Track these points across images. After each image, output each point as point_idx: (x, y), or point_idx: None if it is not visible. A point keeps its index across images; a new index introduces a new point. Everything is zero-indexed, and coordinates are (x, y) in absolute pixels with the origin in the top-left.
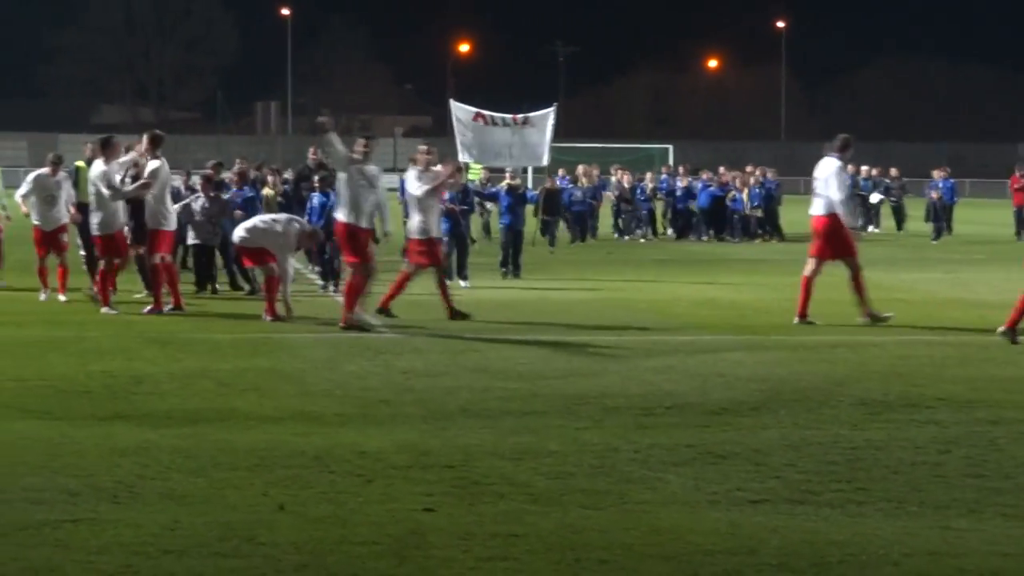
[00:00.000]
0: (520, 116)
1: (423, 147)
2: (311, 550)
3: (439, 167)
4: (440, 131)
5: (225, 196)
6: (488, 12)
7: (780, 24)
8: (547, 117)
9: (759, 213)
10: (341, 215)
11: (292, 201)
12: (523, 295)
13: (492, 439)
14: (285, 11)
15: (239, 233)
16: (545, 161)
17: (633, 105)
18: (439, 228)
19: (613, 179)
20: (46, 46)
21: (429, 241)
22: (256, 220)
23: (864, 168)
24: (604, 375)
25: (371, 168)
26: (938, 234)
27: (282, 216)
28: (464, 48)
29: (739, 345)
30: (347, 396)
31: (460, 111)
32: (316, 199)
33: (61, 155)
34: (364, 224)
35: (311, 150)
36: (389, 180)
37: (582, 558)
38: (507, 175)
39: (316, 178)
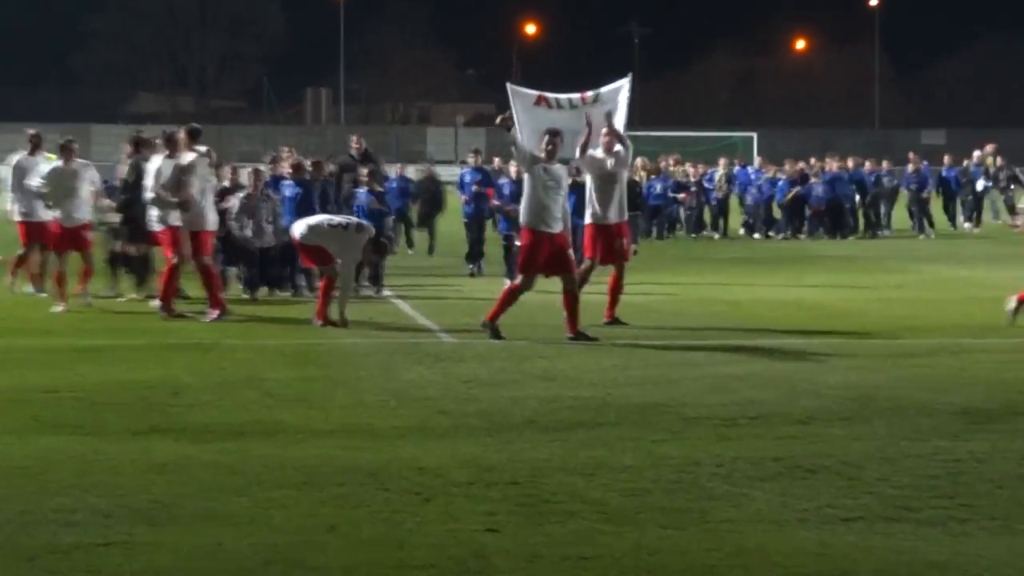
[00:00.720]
0: (590, 93)
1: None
2: (365, 574)
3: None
4: None
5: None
6: None
7: (873, 2)
8: (619, 91)
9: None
10: (526, 220)
11: (333, 197)
12: (592, 298)
13: (561, 453)
14: None
15: (299, 229)
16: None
17: (712, 91)
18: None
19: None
20: (80, 31)
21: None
22: (323, 219)
23: (977, 154)
24: (682, 383)
25: (557, 167)
26: None
27: (353, 220)
28: (530, 30)
29: (829, 350)
30: (404, 407)
31: (519, 96)
32: (363, 196)
33: (38, 134)
34: (555, 229)
35: (354, 139)
36: (449, 173)
37: None
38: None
39: (365, 171)
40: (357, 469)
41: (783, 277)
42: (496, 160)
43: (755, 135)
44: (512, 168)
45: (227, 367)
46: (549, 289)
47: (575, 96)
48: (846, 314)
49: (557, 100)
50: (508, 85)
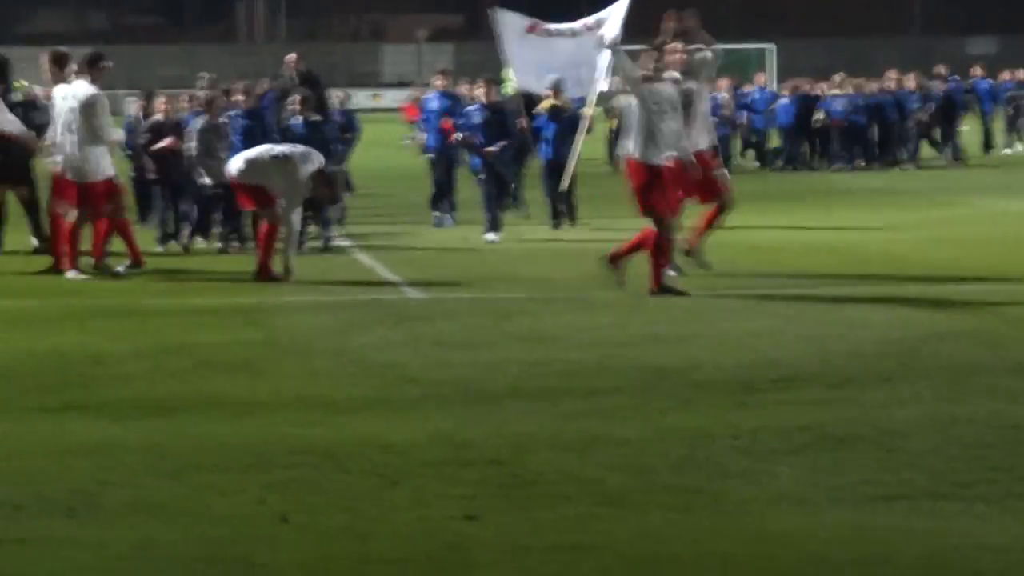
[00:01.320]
0: (592, 19)
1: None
2: (323, 572)
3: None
4: (473, 34)
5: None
6: None
7: None
8: (619, 9)
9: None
10: (631, 149)
11: (265, 128)
12: (585, 246)
13: (550, 426)
14: None
15: (236, 165)
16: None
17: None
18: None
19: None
20: None
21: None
22: (262, 150)
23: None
24: (693, 341)
25: (665, 87)
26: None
27: (298, 148)
28: None
29: (865, 298)
30: (365, 375)
31: (508, 23)
32: (297, 126)
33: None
34: (661, 160)
35: (291, 58)
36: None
37: (668, 574)
38: (549, 92)
39: (296, 97)
40: (311, 448)
41: (807, 215)
42: (464, 84)
43: (774, 47)
44: (480, 91)
45: (155, 331)
46: (531, 238)
47: (576, 24)
48: (884, 258)
49: (555, 29)
50: (495, 11)
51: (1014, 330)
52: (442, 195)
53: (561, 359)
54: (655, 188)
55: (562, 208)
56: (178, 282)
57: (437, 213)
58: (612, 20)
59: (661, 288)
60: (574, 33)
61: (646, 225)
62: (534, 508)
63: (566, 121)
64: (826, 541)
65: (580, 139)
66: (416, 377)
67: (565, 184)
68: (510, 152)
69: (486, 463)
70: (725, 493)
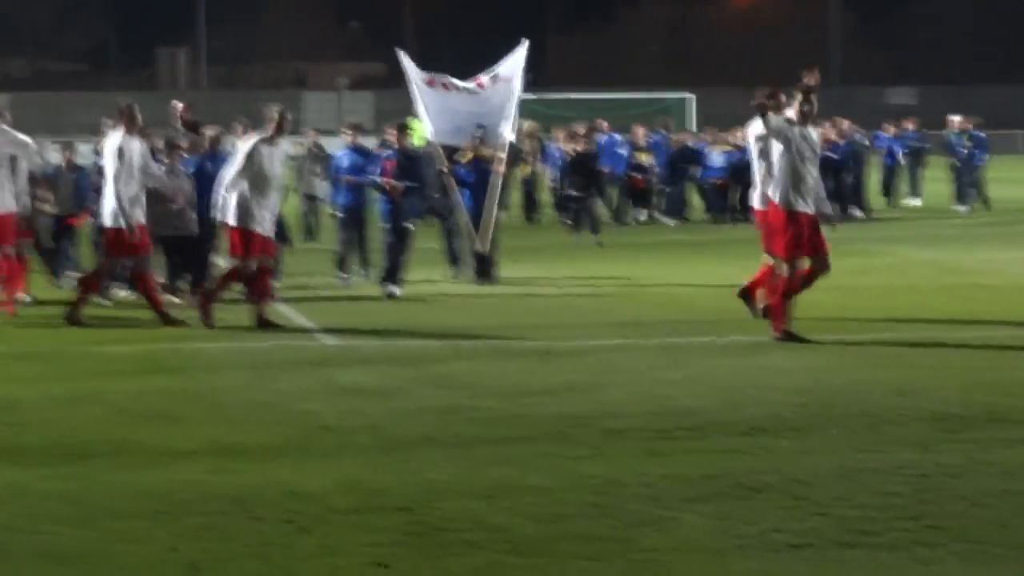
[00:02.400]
0: (484, 77)
1: None
2: None
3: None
4: (394, 82)
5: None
6: None
7: None
8: (516, 61)
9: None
10: (780, 197)
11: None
12: (500, 294)
13: (462, 474)
14: None
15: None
16: (503, 122)
17: (643, 44)
18: None
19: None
20: None
21: None
22: None
23: (955, 119)
24: (606, 389)
25: (813, 135)
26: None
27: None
28: None
29: (778, 347)
30: (278, 422)
31: (412, 70)
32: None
33: None
34: (805, 207)
35: (180, 106)
36: (331, 145)
37: None
38: (473, 143)
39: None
40: (222, 496)
41: (724, 264)
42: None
43: (692, 96)
44: (392, 136)
45: (69, 378)
46: (448, 291)
47: (471, 84)
48: (799, 306)
49: (452, 84)
50: (399, 52)
51: (926, 379)
52: (349, 255)
53: (474, 406)
54: (793, 234)
55: (485, 265)
56: (95, 329)
57: (344, 275)
58: (511, 69)
59: (786, 334)
60: (470, 92)
61: (766, 261)
62: (444, 556)
63: (486, 172)
64: None
65: (496, 195)
66: (329, 424)
67: (486, 245)
68: (418, 198)
69: (397, 510)
70: (635, 541)
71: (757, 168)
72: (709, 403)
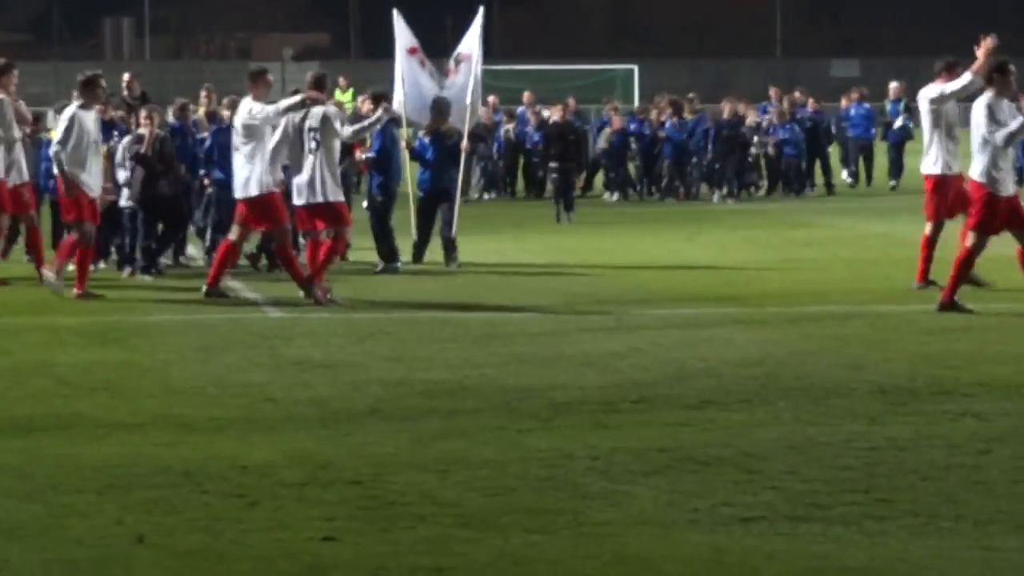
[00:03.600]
0: (451, 62)
1: None
2: None
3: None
4: (341, 52)
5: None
6: None
7: None
8: (474, 36)
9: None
10: (978, 174)
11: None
12: (457, 274)
13: (410, 447)
14: None
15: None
16: (468, 100)
17: (586, 15)
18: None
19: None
20: None
21: None
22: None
23: (893, 86)
24: (554, 362)
25: (1008, 104)
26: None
27: None
28: None
29: (726, 320)
30: (224, 395)
31: (401, 33)
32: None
33: None
34: (1007, 191)
35: (125, 77)
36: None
37: None
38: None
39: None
40: (169, 469)
41: (671, 237)
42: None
43: (635, 67)
44: (366, 105)
45: (13, 351)
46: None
47: (441, 77)
48: (746, 279)
49: (429, 64)
50: (395, 13)
51: (873, 351)
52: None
53: (422, 379)
54: (993, 215)
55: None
56: (39, 300)
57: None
58: (469, 44)
59: (951, 304)
60: (434, 77)
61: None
62: (393, 529)
63: (448, 148)
64: (685, 563)
65: (460, 174)
66: (276, 397)
67: (453, 231)
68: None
69: (345, 484)
70: (585, 514)
71: (929, 133)
72: (655, 375)
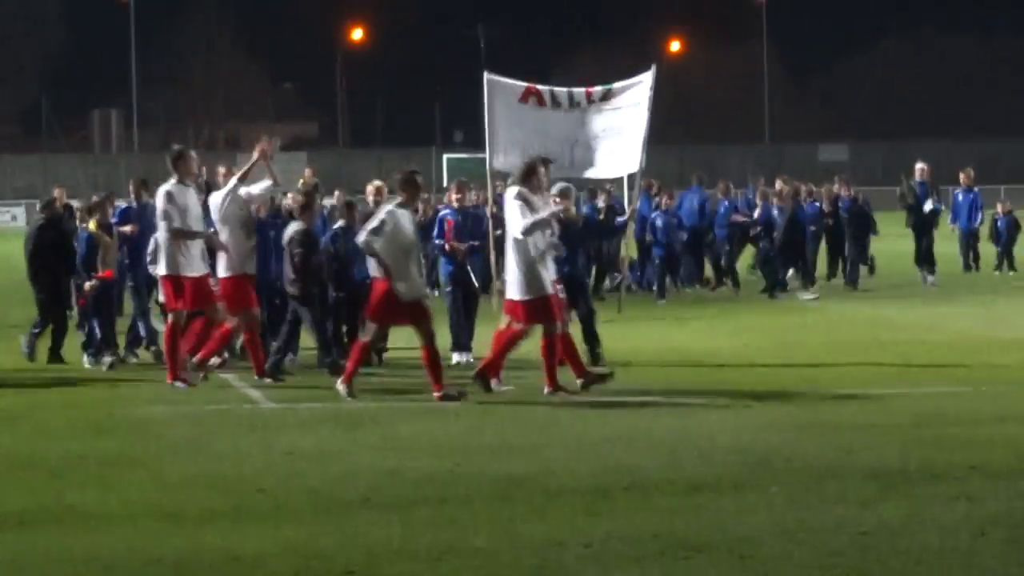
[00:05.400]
0: (599, 88)
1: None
2: None
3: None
4: (328, 141)
5: None
6: None
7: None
8: (636, 90)
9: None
10: None
11: None
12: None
13: (402, 535)
14: None
15: None
16: (630, 167)
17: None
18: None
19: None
20: None
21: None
22: None
23: (920, 167)
24: (546, 448)
25: None
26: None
27: None
28: (356, 35)
29: (718, 405)
30: (215, 486)
31: (499, 90)
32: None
33: None
34: None
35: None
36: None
37: None
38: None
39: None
40: (160, 560)
41: (661, 323)
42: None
43: None
44: (454, 195)
45: (5, 443)
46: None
47: (579, 90)
48: (737, 363)
49: (552, 94)
50: (487, 76)
51: (864, 435)
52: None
53: (413, 468)
54: None
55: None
56: (30, 392)
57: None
58: (635, 96)
59: None
60: (573, 102)
61: None
62: None
63: (574, 235)
64: None
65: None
66: (267, 488)
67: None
68: (480, 256)
69: (339, 574)
70: None
71: None
72: (647, 461)
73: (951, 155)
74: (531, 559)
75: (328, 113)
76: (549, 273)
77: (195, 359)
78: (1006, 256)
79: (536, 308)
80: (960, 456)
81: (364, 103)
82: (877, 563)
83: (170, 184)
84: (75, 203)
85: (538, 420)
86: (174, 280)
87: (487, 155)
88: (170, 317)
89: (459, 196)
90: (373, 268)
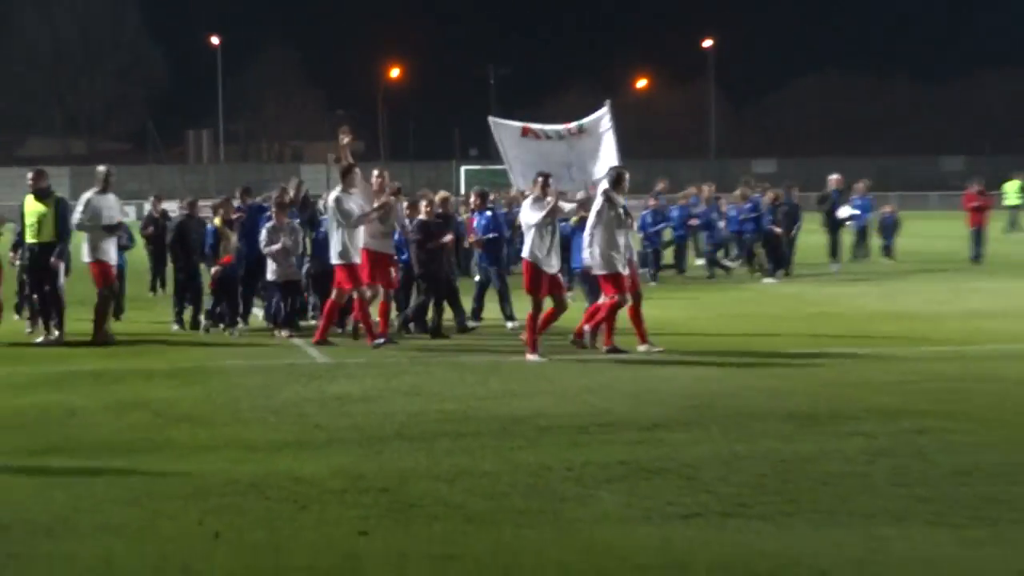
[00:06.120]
0: (574, 125)
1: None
2: None
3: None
4: (372, 155)
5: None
6: (419, 36)
7: (707, 43)
8: (600, 120)
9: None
10: None
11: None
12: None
13: (427, 461)
14: (215, 40)
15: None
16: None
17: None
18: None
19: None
20: None
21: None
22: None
23: (834, 178)
24: (537, 395)
25: None
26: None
27: None
28: (394, 73)
29: (672, 362)
30: (281, 423)
31: (503, 129)
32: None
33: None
34: None
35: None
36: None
37: None
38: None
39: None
40: (239, 480)
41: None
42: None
43: None
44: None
45: (118, 389)
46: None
47: (561, 127)
48: (689, 329)
49: (544, 131)
50: (490, 119)
51: (786, 384)
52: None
53: (436, 409)
54: None
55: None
56: (137, 350)
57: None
58: (606, 134)
59: None
60: (560, 136)
61: None
62: (414, 525)
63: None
64: (638, 550)
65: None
66: (322, 424)
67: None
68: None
69: (377, 491)
70: (562, 513)
71: None
72: (616, 405)
73: (856, 168)
74: (526, 480)
75: (372, 133)
76: (621, 256)
77: (362, 326)
78: (889, 246)
79: (609, 280)
80: (858, 402)
81: (400, 125)
82: (793, 484)
83: (337, 191)
84: (170, 205)
85: (533, 373)
86: (348, 267)
87: (511, 179)
88: (355, 295)
89: (478, 201)
90: (527, 252)
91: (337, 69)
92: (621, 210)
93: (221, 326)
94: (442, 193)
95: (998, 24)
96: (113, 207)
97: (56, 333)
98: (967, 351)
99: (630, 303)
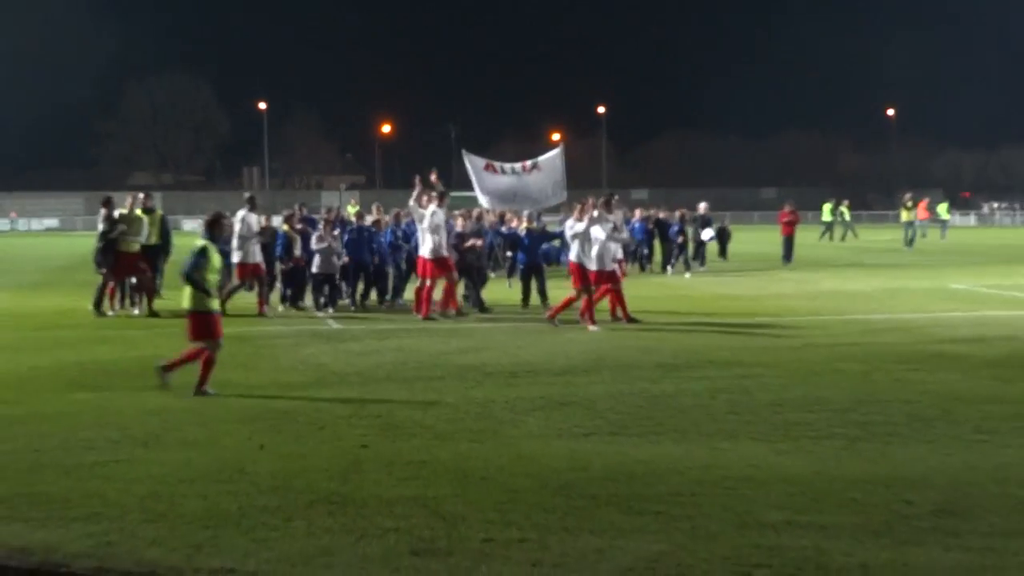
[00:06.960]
0: (528, 163)
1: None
2: (282, 476)
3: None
4: (371, 186)
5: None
6: (401, 102)
7: (601, 109)
8: (554, 160)
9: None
10: None
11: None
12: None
13: (407, 396)
14: (262, 105)
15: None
16: (554, 200)
17: (520, 161)
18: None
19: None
20: (95, 130)
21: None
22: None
23: (703, 204)
24: (485, 351)
25: None
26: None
27: None
28: (386, 129)
29: (578, 328)
30: (307, 369)
31: (472, 161)
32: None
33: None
34: None
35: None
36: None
37: (469, 476)
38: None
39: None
40: (277, 409)
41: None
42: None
43: None
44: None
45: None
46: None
47: (517, 165)
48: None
49: (502, 167)
50: (464, 152)
51: (655, 344)
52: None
53: (415, 360)
54: None
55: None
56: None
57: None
58: (548, 163)
59: None
60: (513, 171)
61: None
62: (399, 441)
63: (536, 237)
64: (554, 458)
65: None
66: (336, 370)
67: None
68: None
69: (373, 417)
70: (500, 432)
71: None
72: (538, 358)
73: (700, 195)
74: (476, 409)
75: (371, 169)
76: (609, 256)
77: (437, 305)
78: (723, 251)
79: (600, 277)
80: (703, 356)
81: (391, 164)
82: (660, 412)
83: (434, 206)
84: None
85: (481, 336)
86: (440, 260)
87: (479, 198)
88: (427, 282)
89: (464, 217)
90: (573, 254)
91: (345, 124)
92: (611, 225)
93: (285, 305)
94: (476, 209)
95: (803, 93)
96: (255, 220)
97: (144, 307)
98: (778, 321)
99: (585, 297)
